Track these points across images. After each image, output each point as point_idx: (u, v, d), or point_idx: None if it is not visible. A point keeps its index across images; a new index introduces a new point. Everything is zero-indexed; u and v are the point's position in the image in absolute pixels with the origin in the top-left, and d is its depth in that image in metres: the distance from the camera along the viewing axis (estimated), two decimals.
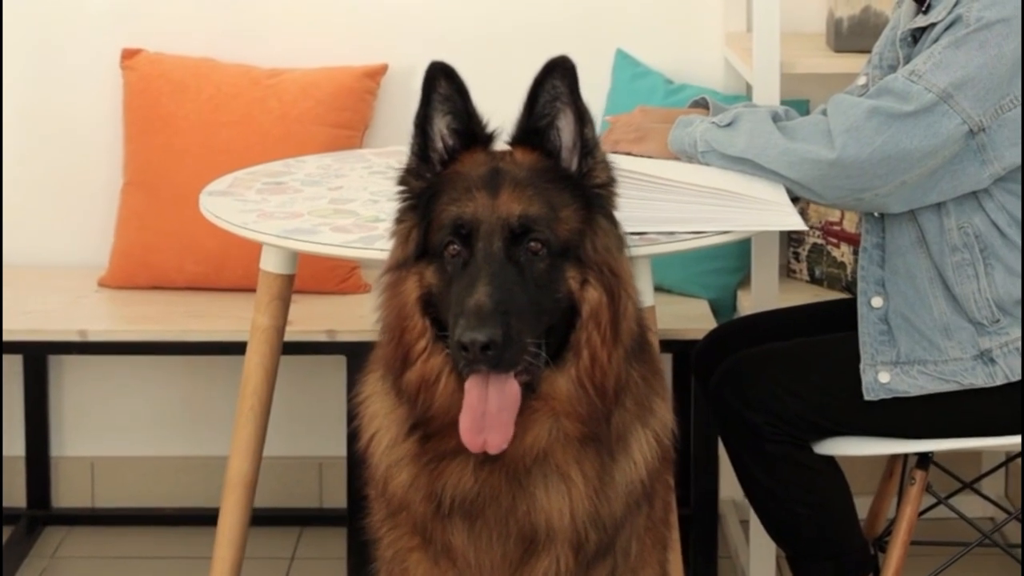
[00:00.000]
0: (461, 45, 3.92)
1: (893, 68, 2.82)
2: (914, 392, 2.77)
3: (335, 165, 3.19)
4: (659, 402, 2.35)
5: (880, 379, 2.78)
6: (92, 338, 3.56)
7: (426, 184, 2.27)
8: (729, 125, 2.78)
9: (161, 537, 3.95)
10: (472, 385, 2.19)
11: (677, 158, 2.85)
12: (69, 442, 4.06)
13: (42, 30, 3.93)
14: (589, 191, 2.27)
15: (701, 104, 3.03)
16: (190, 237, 3.69)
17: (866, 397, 2.78)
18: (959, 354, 2.76)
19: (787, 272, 3.84)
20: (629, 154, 2.90)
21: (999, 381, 2.75)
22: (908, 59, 2.78)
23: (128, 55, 3.87)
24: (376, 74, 3.85)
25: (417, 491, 2.28)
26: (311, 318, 3.60)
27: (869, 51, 3.03)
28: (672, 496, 2.53)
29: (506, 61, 3.85)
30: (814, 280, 3.78)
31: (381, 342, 2.30)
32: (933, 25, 2.72)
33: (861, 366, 2.79)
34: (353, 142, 3.79)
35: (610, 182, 2.29)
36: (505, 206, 2.20)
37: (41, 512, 4.01)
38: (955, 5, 2.69)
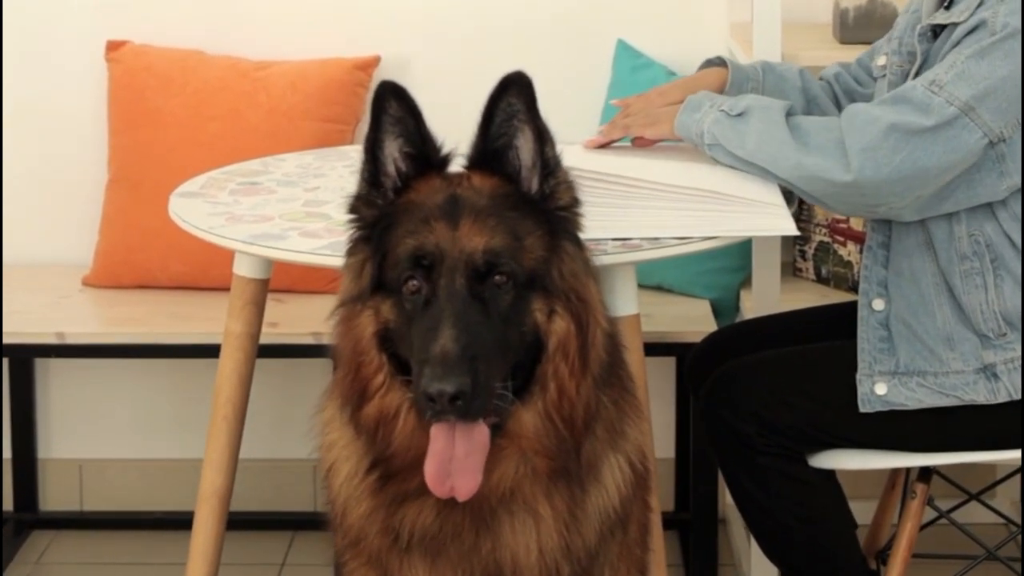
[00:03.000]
0: (457, 36, 3.84)
1: (912, 56, 2.69)
2: (912, 405, 2.66)
3: (315, 164, 3.08)
4: (631, 425, 2.25)
5: (877, 391, 2.66)
6: (70, 341, 3.49)
7: (378, 212, 2.16)
8: (740, 116, 2.65)
9: (150, 541, 3.87)
10: (438, 431, 2.08)
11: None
12: (56, 444, 3.98)
13: (25, 20, 3.84)
14: (553, 214, 2.15)
15: (717, 63, 2.91)
16: (175, 236, 3.52)
17: (861, 409, 2.67)
18: (961, 366, 2.64)
19: (793, 271, 3.76)
20: (641, 139, 2.81)
21: (1001, 398, 2.63)
22: (925, 55, 2.65)
23: (113, 47, 3.79)
24: (368, 66, 3.75)
25: (373, 524, 2.18)
26: (297, 320, 3.51)
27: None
28: (651, 517, 2.43)
29: (504, 52, 3.81)
30: (820, 279, 3.69)
31: (337, 376, 2.19)
32: (955, 24, 2.58)
33: (857, 376, 2.68)
34: (344, 137, 3.69)
35: (574, 203, 2.17)
36: (467, 239, 2.08)
37: (28, 515, 3.93)
38: (978, 6, 2.55)
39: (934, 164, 2.52)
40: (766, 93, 2.85)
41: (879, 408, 2.66)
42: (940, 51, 2.62)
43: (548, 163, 2.15)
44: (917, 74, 2.65)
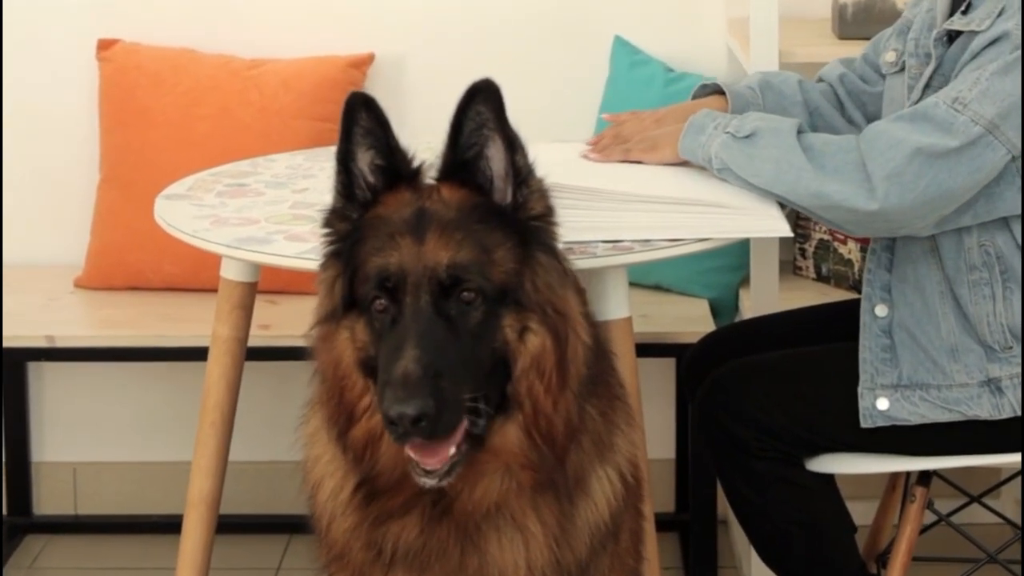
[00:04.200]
0: (452, 32, 3.80)
1: (928, 58, 2.62)
2: (915, 421, 2.61)
3: (306, 164, 3.04)
4: (620, 436, 2.20)
5: (879, 406, 2.61)
6: (60, 344, 3.46)
7: (350, 226, 2.11)
8: (748, 139, 2.57)
9: (144, 545, 3.84)
10: None
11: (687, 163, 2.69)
12: (50, 447, 3.95)
13: (15, 18, 3.80)
14: (525, 224, 2.09)
15: (712, 89, 2.85)
16: (167, 236, 3.47)
17: (863, 424, 2.62)
18: (965, 379, 2.58)
19: (793, 269, 3.72)
20: (639, 163, 2.73)
21: (1005, 414, 2.58)
22: (940, 59, 2.58)
23: (104, 45, 3.75)
24: (362, 64, 3.71)
25: (357, 539, 2.14)
26: (290, 322, 3.47)
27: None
28: (644, 524, 2.39)
29: (500, 49, 3.78)
30: (820, 278, 3.65)
31: (321, 397, 2.15)
32: (973, 32, 2.51)
33: (859, 389, 2.62)
34: (337, 136, 3.64)
35: (548, 212, 2.11)
36: (432, 254, 2.03)
37: (22, 519, 3.90)
38: (999, 15, 2.48)
39: (959, 185, 2.46)
40: (767, 112, 2.78)
41: (881, 423, 2.61)
42: (956, 58, 2.55)
43: (520, 172, 2.09)
44: (931, 77, 2.59)
